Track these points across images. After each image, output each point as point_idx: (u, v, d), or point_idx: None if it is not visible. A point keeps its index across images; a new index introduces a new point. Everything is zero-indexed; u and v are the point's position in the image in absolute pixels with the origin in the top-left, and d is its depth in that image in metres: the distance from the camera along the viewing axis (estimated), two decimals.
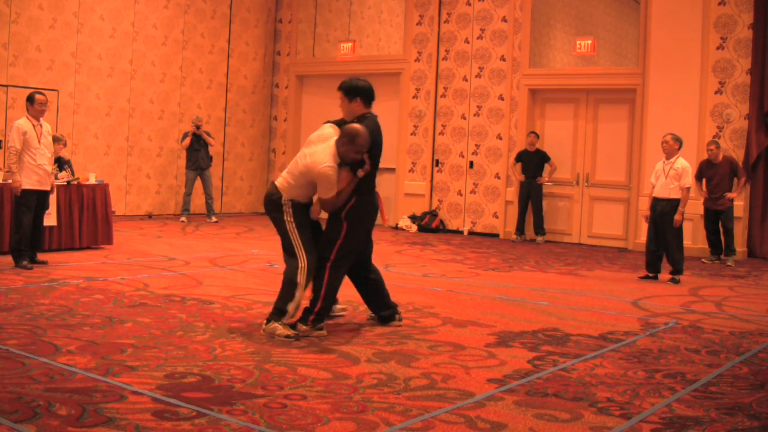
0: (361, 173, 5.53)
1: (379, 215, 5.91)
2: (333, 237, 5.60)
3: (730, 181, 10.72)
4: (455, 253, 10.96)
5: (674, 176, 8.72)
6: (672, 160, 8.80)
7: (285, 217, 5.52)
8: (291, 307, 5.42)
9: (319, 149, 5.48)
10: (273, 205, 5.59)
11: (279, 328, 5.38)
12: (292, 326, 5.47)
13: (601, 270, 9.80)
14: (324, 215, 5.72)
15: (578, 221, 13.04)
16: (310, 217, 5.65)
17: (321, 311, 5.54)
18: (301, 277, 5.42)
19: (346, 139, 5.42)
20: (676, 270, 8.81)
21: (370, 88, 5.76)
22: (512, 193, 13.33)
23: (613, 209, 12.73)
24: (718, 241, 10.96)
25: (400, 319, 6.06)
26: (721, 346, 5.65)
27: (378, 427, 3.64)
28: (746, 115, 11.51)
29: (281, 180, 5.61)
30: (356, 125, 5.49)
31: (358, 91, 5.69)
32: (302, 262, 5.46)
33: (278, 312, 5.44)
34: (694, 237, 11.68)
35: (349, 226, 5.58)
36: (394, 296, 6.85)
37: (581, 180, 13.03)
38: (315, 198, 5.64)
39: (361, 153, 5.47)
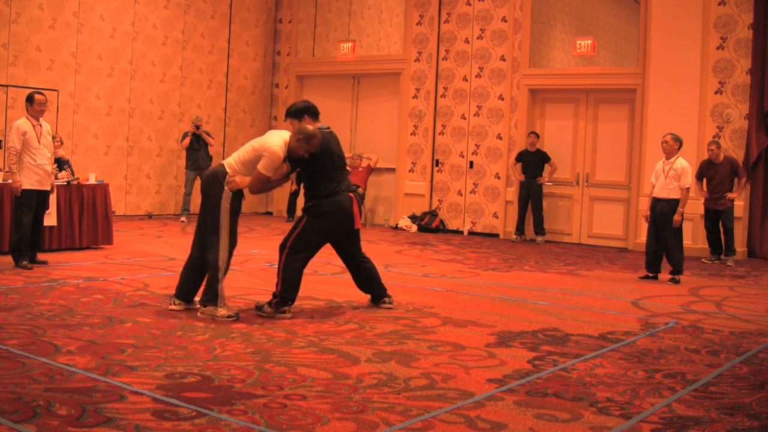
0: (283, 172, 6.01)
1: (356, 217, 6.31)
2: (294, 227, 6.16)
3: (730, 181, 10.72)
4: (455, 253, 10.96)
5: (674, 176, 8.72)
6: (672, 160, 8.80)
7: (225, 192, 5.83)
8: (219, 287, 5.81)
9: (273, 138, 5.95)
10: (213, 177, 5.91)
11: (219, 310, 5.79)
12: (259, 308, 6.06)
13: (601, 270, 9.80)
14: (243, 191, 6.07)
15: (578, 221, 13.04)
16: (224, 185, 5.90)
17: (282, 294, 6.02)
18: (222, 261, 5.82)
19: (303, 137, 5.90)
20: (676, 270, 8.81)
21: (311, 105, 6.34)
22: (512, 193, 13.33)
23: (613, 209, 12.74)
24: (718, 241, 10.96)
25: (390, 302, 6.58)
26: (721, 346, 5.65)
27: (378, 427, 3.64)
28: (746, 115, 11.51)
29: (229, 161, 5.97)
30: (314, 128, 6.03)
31: (302, 111, 6.24)
32: (224, 246, 5.82)
33: (212, 296, 5.82)
34: (694, 237, 11.69)
35: (308, 222, 6.12)
36: (395, 296, 6.85)
37: (581, 180, 13.03)
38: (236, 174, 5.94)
39: (308, 153, 5.95)
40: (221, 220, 5.82)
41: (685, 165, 8.76)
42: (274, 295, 6.07)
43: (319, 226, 6.14)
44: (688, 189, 8.79)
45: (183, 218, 13.46)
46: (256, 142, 6.01)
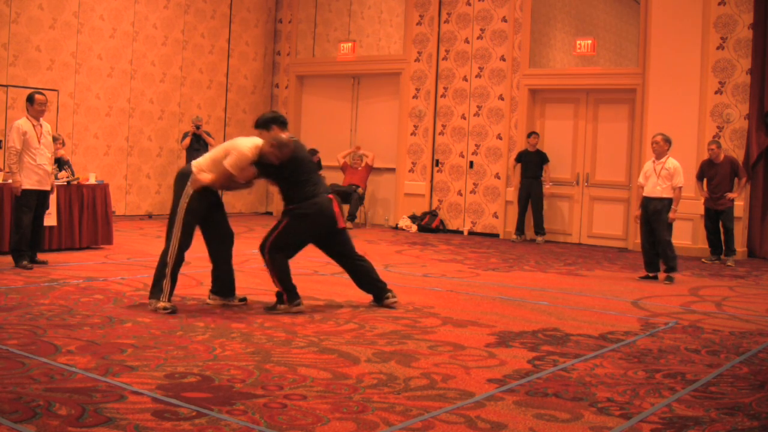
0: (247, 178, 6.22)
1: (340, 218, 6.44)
2: (274, 228, 6.32)
3: (730, 181, 10.72)
4: (455, 253, 10.96)
5: (666, 176, 8.75)
6: (662, 160, 8.83)
7: (186, 190, 6.05)
8: (164, 283, 6.00)
9: (244, 140, 6.17)
10: (181, 177, 6.16)
11: (158, 302, 5.99)
12: (271, 308, 6.24)
13: (601, 270, 9.80)
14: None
15: (578, 221, 13.04)
16: (189, 184, 6.08)
17: (287, 291, 6.25)
18: (170, 258, 6.01)
19: (277, 144, 6.08)
20: (670, 267, 8.79)
21: (280, 115, 6.52)
22: (512, 193, 13.33)
23: (613, 209, 12.74)
24: (718, 241, 10.96)
25: (393, 296, 6.64)
26: (721, 346, 5.65)
27: (378, 427, 3.64)
28: (746, 115, 11.51)
29: (199, 160, 6.21)
30: (284, 138, 6.18)
31: (270, 122, 6.35)
32: (174, 243, 6.01)
33: (157, 290, 6.03)
34: (694, 237, 11.69)
35: (289, 221, 6.26)
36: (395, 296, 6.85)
37: (581, 180, 13.03)
38: (201, 173, 6.11)
39: (278, 161, 6.12)
40: (176, 219, 6.05)
41: (676, 164, 8.79)
42: (280, 294, 6.27)
43: (299, 227, 6.30)
44: (680, 188, 8.82)
45: None
46: (227, 143, 6.27)
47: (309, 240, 6.47)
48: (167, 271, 6.03)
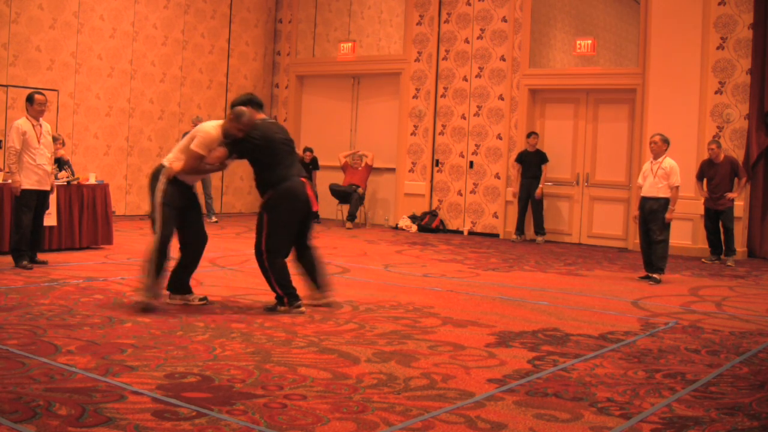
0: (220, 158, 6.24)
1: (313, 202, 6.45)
2: (260, 229, 6.29)
3: (730, 181, 10.72)
4: (455, 253, 10.96)
5: (662, 176, 8.75)
6: (660, 159, 8.83)
7: (158, 186, 6.12)
8: (147, 280, 6.06)
9: (208, 123, 6.31)
10: (154, 174, 6.23)
11: (139, 295, 6.09)
12: (271, 309, 6.26)
13: (601, 270, 9.80)
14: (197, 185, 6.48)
15: (578, 221, 13.04)
16: (161, 175, 6.14)
17: (286, 293, 6.26)
18: (153, 254, 6.04)
19: (233, 116, 6.14)
20: (657, 267, 8.77)
21: (254, 97, 6.50)
22: (512, 193, 13.32)
23: (613, 209, 12.74)
24: (718, 241, 10.96)
25: (330, 296, 6.58)
26: (721, 346, 5.65)
27: (378, 427, 3.64)
28: (746, 115, 11.51)
29: (169, 156, 6.30)
30: (243, 108, 6.22)
31: (245, 103, 6.36)
32: (157, 237, 6.06)
33: (142, 284, 6.11)
34: (694, 237, 11.69)
35: (269, 216, 6.23)
36: (395, 296, 6.86)
37: (581, 180, 13.03)
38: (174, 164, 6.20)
39: (242, 132, 6.15)
40: (155, 213, 6.11)
41: (673, 164, 8.79)
42: (280, 296, 6.29)
43: (280, 219, 6.25)
44: (677, 187, 8.80)
45: None
46: (193, 130, 6.34)
47: (296, 226, 6.39)
48: (149, 267, 6.07)
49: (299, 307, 6.25)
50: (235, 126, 6.14)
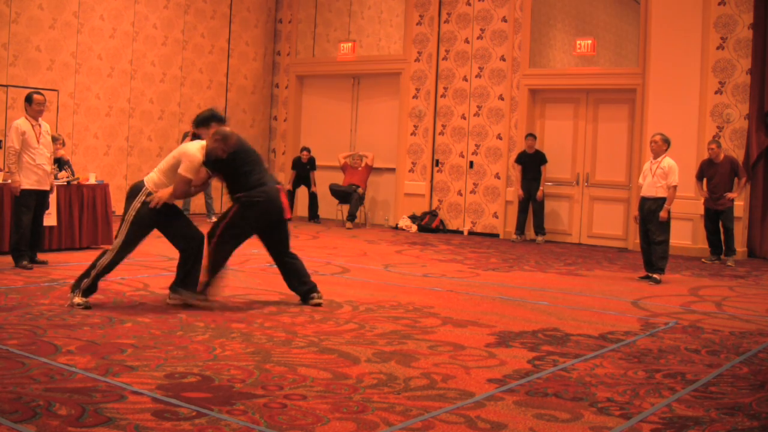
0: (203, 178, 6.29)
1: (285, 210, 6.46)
2: (225, 215, 6.34)
3: (730, 181, 10.72)
4: (455, 253, 10.96)
5: (661, 175, 8.75)
6: (659, 159, 8.83)
7: (134, 203, 6.11)
8: (84, 282, 6.07)
9: (189, 145, 6.25)
10: (132, 191, 6.22)
11: (75, 297, 6.05)
12: (176, 290, 6.28)
13: (601, 270, 9.80)
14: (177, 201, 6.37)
15: (578, 221, 13.04)
16: (150, 204, 6.10)
17: (209, 283, 6.26)
18: (102, 259, 6.10)
19: (220, 137, 6.18)
20: (657, 267, 8.77)
21: (216, 113, 6.66)
22: (512, 193, 13.33)
23: (613, 209, 12.74)
24: (718, 241, 10.96)
25: (319, 297, 6.55)
26: (721, 346, 5.65)
27: (378, 427, 3.64)
28: (746, 115, 11.51)
29: (150, 175, 6.27)
30: (225, 128, 6.31)
31: (209, 119, 6.49)
32: (113, 250, 6.11)
33: (77, 284, 6.11)
34: (694, 237, 11.69)
35: (239, 211, 6.27)
36: (395, 296, 6.85)
37: (581, 180, 13.03)
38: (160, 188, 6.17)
39: (226, 153, 6.19)
40: (122, 230, 6.13)
41: (672, 164, 8.78)
42: (202, 283, 6.28)
43: (249, 215, 6.29)
44: (675, 187, 8.79)
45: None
46: (175, 152, 6.30)
47: (259, 228, 6.45)
48: (93, 272, 6.08)
49: (206, 301, 6.24)
50: (221, 147, 6.18)
